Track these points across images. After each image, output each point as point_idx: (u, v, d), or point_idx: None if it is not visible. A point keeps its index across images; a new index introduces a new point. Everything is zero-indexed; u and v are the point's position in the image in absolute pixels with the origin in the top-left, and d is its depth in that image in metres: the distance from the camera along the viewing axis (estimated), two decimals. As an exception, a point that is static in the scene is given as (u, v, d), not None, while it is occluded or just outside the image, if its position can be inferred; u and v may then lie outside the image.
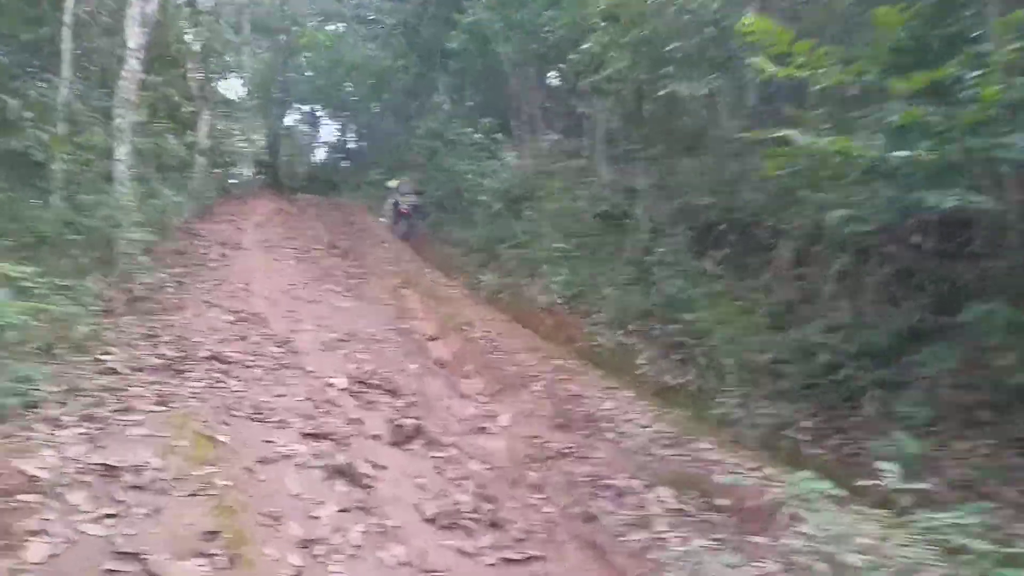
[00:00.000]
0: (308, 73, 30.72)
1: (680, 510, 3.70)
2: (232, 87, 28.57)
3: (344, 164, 34.64)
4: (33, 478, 2.77)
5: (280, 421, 4.06)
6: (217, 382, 4.29)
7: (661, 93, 7.02)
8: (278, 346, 5.60)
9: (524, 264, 10.60)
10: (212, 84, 21.85)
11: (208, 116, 17.77)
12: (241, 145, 26.45)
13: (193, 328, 5.78)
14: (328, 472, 3.57)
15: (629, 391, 6.29)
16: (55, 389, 3.71)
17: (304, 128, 36.92)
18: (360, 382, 5.10)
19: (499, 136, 12.77)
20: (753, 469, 4.17)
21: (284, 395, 4.40)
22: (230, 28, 24.41)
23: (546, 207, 11.14)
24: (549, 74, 13.62)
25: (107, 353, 4.54)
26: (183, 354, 4.83)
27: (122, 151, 11.32)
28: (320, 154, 37.03)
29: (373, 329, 7.14)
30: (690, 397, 6.29)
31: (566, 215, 10.68)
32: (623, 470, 4.22)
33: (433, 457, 4.25)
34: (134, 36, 11.79)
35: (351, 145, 35.74)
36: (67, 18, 12.26)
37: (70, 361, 4.36)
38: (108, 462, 2.99)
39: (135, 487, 2.87)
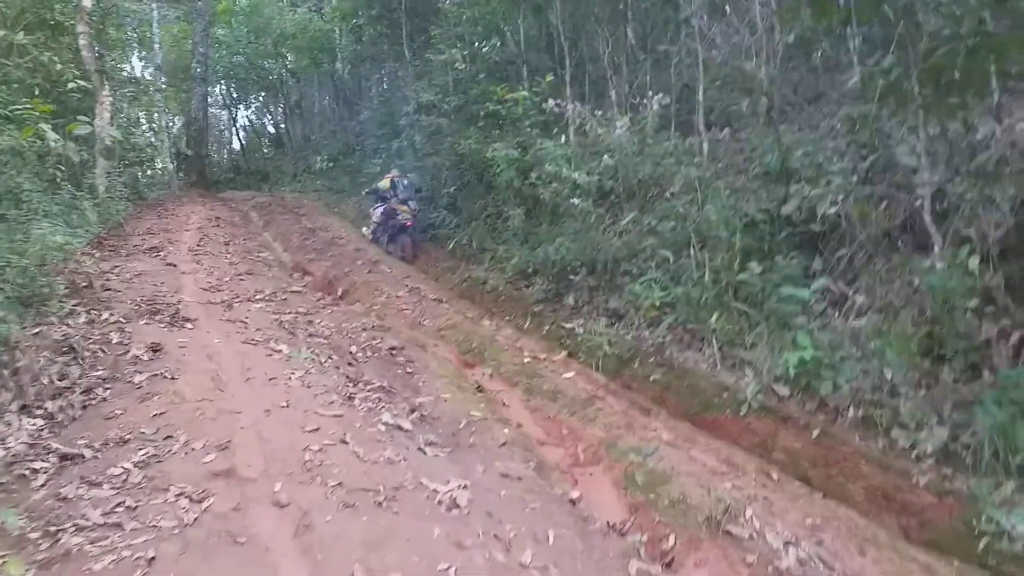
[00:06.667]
0: (224, 48, 25.46)
1: None
2: (138, 67, 23.33)
3: (269, 151, 29.53)
4: None
5: None
6: None
7: None
8: None
9: (673, 311, 6.35)
10: (111, 58, 16.77)
11: (109, 98, 12.78)
12: (153, 135, 21.30)
13: None
14: None
15: None
16: None
17: (218, 111, 31.34)
18: None
19: (561, 104, 8.27)
20: None
21: None
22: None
23: (677, 209, 6.89)
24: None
25: None
26: None
27: (-48, 155, 6.55)
28: (238, 140, 31.75)
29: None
30: None
31: (726, 220, 6.48)
32: None
33: None
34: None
35: (278, 128, 30.46)
36: None
37: None
38: None
39: None
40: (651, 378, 5.80)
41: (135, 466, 3.32)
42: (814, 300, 5.42)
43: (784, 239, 6.31)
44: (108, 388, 4.31)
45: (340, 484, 3.24)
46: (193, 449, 3.51)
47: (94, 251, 8.75)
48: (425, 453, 3.86)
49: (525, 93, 8.69)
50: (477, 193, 10.65)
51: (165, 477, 3.22)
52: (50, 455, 3.48)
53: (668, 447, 4.37)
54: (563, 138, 8.73)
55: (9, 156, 8.49)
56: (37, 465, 3.39)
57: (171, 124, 26.46)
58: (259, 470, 3.35)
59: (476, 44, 10.85)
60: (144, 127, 19.70)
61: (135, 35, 20.64)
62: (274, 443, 3.63)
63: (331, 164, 21.88)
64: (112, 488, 3.14)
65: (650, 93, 7.62)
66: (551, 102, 7.78)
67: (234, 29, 25.79)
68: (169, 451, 3.48)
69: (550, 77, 8.81)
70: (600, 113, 7.71)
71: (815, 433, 4.64)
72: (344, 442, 3.72)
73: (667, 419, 4.93)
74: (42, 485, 3.23)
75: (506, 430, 4.50)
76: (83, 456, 3.46)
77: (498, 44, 10.62)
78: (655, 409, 5.12)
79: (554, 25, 10.07)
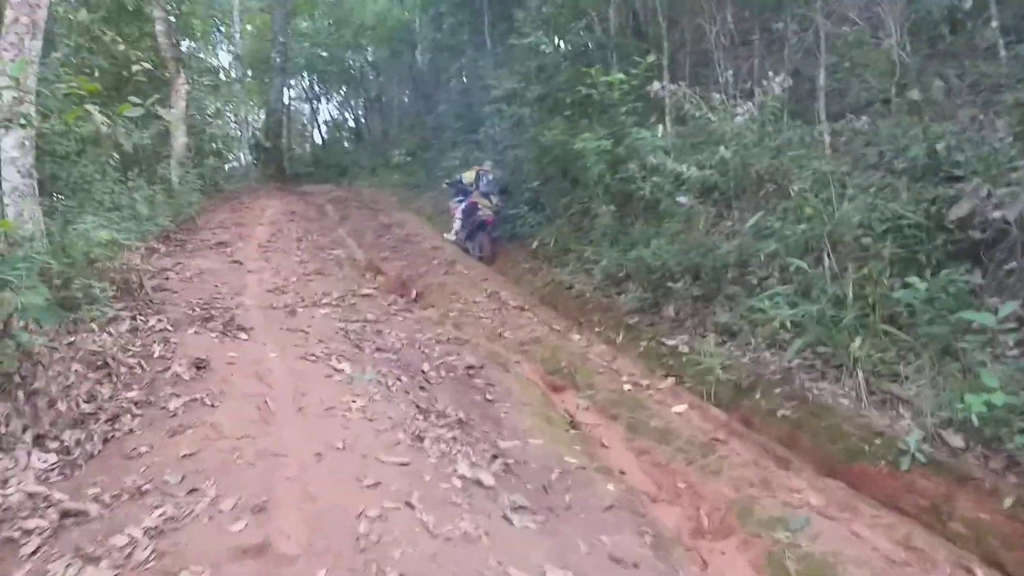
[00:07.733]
0: (307, 40, 25.35)
1: None
2: (225, 59, 23.41)
3: (349, 144, 29.35)
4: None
5: None
6: None
7: None
8: None
9: (800, 331, 5.30)
10: (193, 47, 16.65)
11: (186, 87, 12.47)
12: (234, 126, 21.27)
13: None
14: None
15: None
16: None
17: (301, 104, 31.48)
18: None
19: (665, 87, 7.22)
20: None
21: None
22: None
23: (806, 209, 5.77)
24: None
25: None
26: None
27: (9, 141, 6.06)
28: (319, 134, 31.80)
29: None
30: None
31: (868, 224, 5.34)
32: None
33: None
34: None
35: (358, 122, 30.27)
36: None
37: None
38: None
39: None
40: (778, 413, 4.79)
41: (145, 534, 2.59)
42: (999, 327, 4.30)
43: (937, 248, 5.19)
44: (138, 416, 3.63)
45: (402, 576, 2.42)
46: (221, 511, 2.76)
47: (160, 246, 8.32)
48: (512, 523, 3.01)
49: (622, 76, 7.72)
50: (561, 188, 9.79)
51: (179, 553, 2.48)
52: (50, 509, 2.80)
53: (820, 517, 3.39)
54: (660, 128, 7.75)
55: (87, 145, 8.11)
56: (32, 524, 2.70)
57: (254, 117, 26.59)
58: (301, 545, 2.57)
59: (561, 28, 9.96)
60: (229, 119, 19.65)
61: (220, 27, 20.65)
62: (323, 503, 2.85)
63: (408, 158, 21.42)
64: (111, 567, 2.42)
65: (770, 74, 6.54)
66: (656, 84, 6.77)
67: (315, 21, 25.72)
68: (191, 512, 2.74)
69: (651, 58, 7.80)
70: (714, 98, 6.66)
71: (1007, 502, 3.56)
72: (410, 505, 2.91)
73: (812, 475, 3.91)
74: (32, 554, 2.54)
75: (610, 486, 3.60)
76: (88, 513, 2.76)
77: (584, 29, 9.69)
78: (795, 461, 4.11)
79: (650, 5, 9.09)
